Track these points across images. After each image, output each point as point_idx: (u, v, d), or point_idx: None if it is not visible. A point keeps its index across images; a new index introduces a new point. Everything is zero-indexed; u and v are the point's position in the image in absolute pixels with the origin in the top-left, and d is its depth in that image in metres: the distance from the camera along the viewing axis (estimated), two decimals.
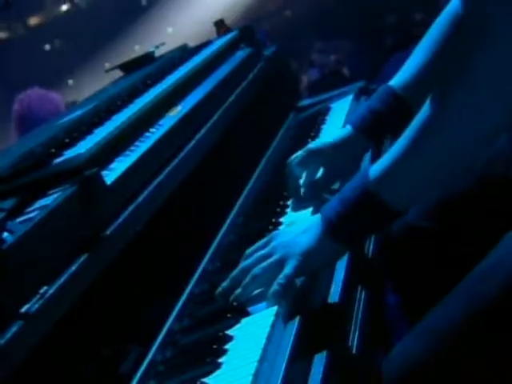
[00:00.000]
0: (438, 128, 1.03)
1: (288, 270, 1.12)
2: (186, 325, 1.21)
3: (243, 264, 1.18)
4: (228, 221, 1.51)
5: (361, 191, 1.10)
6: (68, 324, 0.99)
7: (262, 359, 1.01)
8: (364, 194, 1.09)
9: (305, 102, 2.23)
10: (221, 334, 1.11)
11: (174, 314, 1.22)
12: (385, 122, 1.48)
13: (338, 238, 1.12)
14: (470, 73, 0.97)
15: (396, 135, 1.53)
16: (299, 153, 1.51)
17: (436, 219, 1.52)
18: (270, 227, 1.40)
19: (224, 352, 1.06)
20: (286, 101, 2.20)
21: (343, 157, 1.50)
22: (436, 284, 1.53)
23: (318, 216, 1.16)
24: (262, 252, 1.18)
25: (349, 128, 1.50)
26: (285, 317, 1.08)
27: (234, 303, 1.16)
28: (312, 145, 1.52)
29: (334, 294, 1.17)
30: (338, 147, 1.49)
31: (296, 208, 1.45)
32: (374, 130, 1.49)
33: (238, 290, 1.15)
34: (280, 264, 1.14)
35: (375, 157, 1.57)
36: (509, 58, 0.95)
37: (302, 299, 1.14)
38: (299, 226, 1.20)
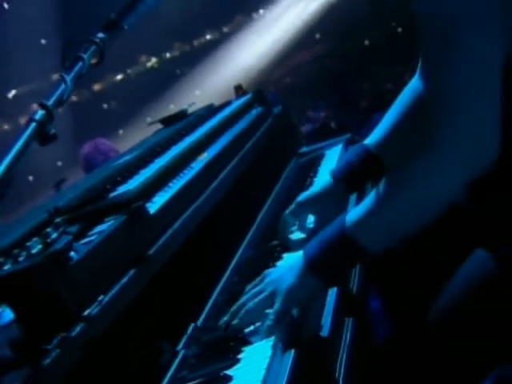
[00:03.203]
0: (401, 187, 0.98)
1: (276, 305, 1.06)
2: (211, 326, 1.18)
3: (240, 300, 1.12)
4: (245, 242, 1.48)
5: (337, 234, 1.03)
6: (119, 325, 0.97)
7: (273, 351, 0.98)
8: (339, 236, 1.03)
9: (304, 149, 2.20)
10: (240, 335, 1.08)
11: (202, 317, 1.19)
12: (359, 173, 1.43)
13: (317, 274, 1.06)
14: (429, 145, 0.94)
15: (369, 184, 1.51)
16: (291, 206, 1.45)
17: (408, 242, 1.50)
18: (278, 248, 1.38)
19: (229, 379, 1.00)
20: (290, 148, 2.19)
21: (328, 204, 1.43)
22: (408, 293, 1.51)
23: (301, 254, 1.09)
24: (256, 289, 1.12)
25: (330, 179, 1.44)
26: (281, 349, 1.00)
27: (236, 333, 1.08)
28: (300, 198, 1.45)
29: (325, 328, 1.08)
30: (322, 197, 1.43)
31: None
32: (350, 180, 1.43)
33: (235, 321, 1.09)
34: (269, 298, 1.08)
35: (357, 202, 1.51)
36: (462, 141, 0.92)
37: (296, 331, 1.06)
38: (286, 263, 1.14)
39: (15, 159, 0.84)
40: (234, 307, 1.12)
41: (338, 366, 1.03)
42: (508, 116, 0.93)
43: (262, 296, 1.09)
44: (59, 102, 0.98)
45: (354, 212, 1.04)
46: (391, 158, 1.38)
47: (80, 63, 1.13)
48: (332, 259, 1.05)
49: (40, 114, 0.93)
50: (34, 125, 0.91)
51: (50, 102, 0.96)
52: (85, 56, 1.15)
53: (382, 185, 1.01)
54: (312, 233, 1.40)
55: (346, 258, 1.05)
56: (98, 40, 1.21)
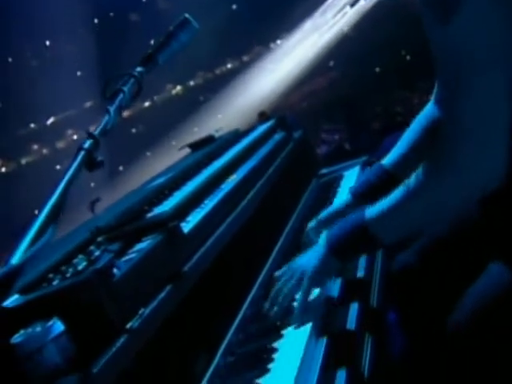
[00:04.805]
0: (414, 195, 1.06)
1: (304, 285, 1.15)
2: (241, 338, 1.18)
3: (276, 287, 1.20)
4: (271, 258, 1.48)
5: (356, 223, 1.13)
6: (158, 336, 0.97)
7: (301, 367, 0.98)
8: (355, 224, 1.13)
9: (324, 171, 2.20)
10: (268, 346, 1.08)
11: (233, 329, 1.19)
12: (377, 190, 1.42)
13: (337, 256, 1.16)
14: (442, 163, 1.01)
15: None
16: (312, 223, 1.49)
17: (423, 257, 1.50)
18: None
19: (271, 360, 1.03)
20: (310, 170, 2.19)
21: None
22: (424, 307, 1.49)
23: (324, 239, 1.19)
24: (287, 275, 1.20)
25: (349, 196, 1.48)
26: (315, 336, 1.06)
27: (277, 321, 1.15)
28: (321, 216, 1.49)
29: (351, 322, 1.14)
30: (341, 213, 1.45)
31: None
32: (369, 197, 1.42)
33: (275, 308, 1.17)
34: (300, 281, 1.17)
35: None
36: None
37: (327, 323, 1.12)
38: (310, 250, 1.23)
39: (68, 185, 0.87)
40: (272, 293, 1.20)
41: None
42: None
43: (293, 280, 1.18)
44: (104, 132, 1.01)
45: (374, 207, 1.13)
46: (407, 177, 1.40)
47: (121, 95, 1.16)
48: (350, 246, 1.14)
49: (88, 143, 0.96)
50: (83, 153, 0.94)
51: (97, 132, 0.98)
52: (125, 89, 1.19)
53: (398, 190, 1.09)
54: None
55: (360, 243, 1.13)
56: (136, 73, 1.24)
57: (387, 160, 1.48)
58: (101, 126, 1.01)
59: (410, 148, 1.43)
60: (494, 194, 1.01)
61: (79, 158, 0.93)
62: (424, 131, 1.39)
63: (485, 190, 1.01)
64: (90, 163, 0.94)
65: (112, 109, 1.06)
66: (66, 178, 0.88)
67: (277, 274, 1.23)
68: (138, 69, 1.27)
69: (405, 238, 1.28)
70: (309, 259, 1.19)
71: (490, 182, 0.99)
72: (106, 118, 1.04)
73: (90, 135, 0.97)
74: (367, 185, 1.48)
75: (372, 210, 1.12)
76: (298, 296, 1.17)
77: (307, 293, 1.15)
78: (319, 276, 1.16)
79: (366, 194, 1.47)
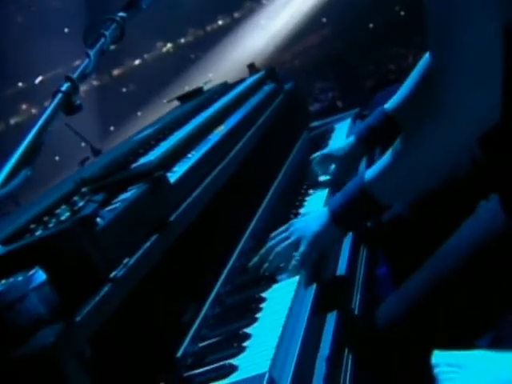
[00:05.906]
0: (412, 148, 1.03)
1: (302, 248, 1.12)
2: (229, 289, 1.17)
3: (269, 244, 1.18)
4: (260, 210, 1.46)
5: (357, 189, 1.09)
6: (143, 286, 0.95)
7: (289, 315, 0.97)
8: (358, 190, 1.09)
9: (315, 124, 2.17)
10: (257, 295, 1.07)
11: (221, 280, 1.18)
12: (377, 134, 1.54)
13: (339, 224, 1.12)
14: (435, 110, 0.98)
15: (386, 144, 1.54)
16: (318, 154, 1.60)
17: (415, 210, 1.49)
18: (292, 215, 1.36)
19: (260, 309, 1.02)
20: (301, 122, 2.15)
21: (348, 158, 1.57)
22: (416, 259, 1.48)
23: (326, 207, 1.15)
24: (283, 235, 1.17)
25: (352, 138, 1.58)
26: (305, 284, 1.07)
27: (266, 273, 1.14)
28: (326, 150, 1.61)
29: (341, 268, 1.16)
30: (344, 151, 1.57)
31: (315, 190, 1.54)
32: (369, 140, 1.55)
33: (266, 264, 1.15)
34: (296, 243, 1.14)
35: (370, 159, 1.63)
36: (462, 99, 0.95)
37: (317, 271, 1.12)
38: (311, 215, 1.19)
39: (43, 128, 0.83)
40: (263, 251, 1.17)
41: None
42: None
43: (289, 241, 1.15)
44: (83, 75, 0.97)
45: (372, 168, 1.09)
46: (405, 120, 1.45)
47: (102, 39, 1.12)
48: (352, 211, 1.10)
49: (66, 85, 0.92)
50: (60, 95, 0.90)
51: (75, 75, 0.94)
52: (106, 33, 1.14)
53: (396, 145, 1.05)
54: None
55: (363, 209, 1.10)
56: (118, 18, 1.19)
57: (389, 104, 1.53)
58: (80, 69, 0.97)
59: (408, 93, 1.46)
60: (490, 133, 0.99)
61: (56, 100, 0.89)
62: (422, 77, 1.38)
63: (481, 131, 0.98)
64: (67, 106, 0.90)
65: (92, 52, 1.02)
66: (42, 120, 0.84)
67: (273, 234, 1.20)
68: (120, 14, 1.22)
69: (404, 197, 1.27)
70: (309, 224, 1.15)
71: (484, 124, 0.96)
72: (86, 61, 1.00)
73: (68, 78, 0.93)
74: (368, 128, 1.54)
75: (370, 172, 1.09)
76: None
77: (306, 257, 1.12)
78: (318, 242, 1.13)
79: (367, 137, 1.54)
